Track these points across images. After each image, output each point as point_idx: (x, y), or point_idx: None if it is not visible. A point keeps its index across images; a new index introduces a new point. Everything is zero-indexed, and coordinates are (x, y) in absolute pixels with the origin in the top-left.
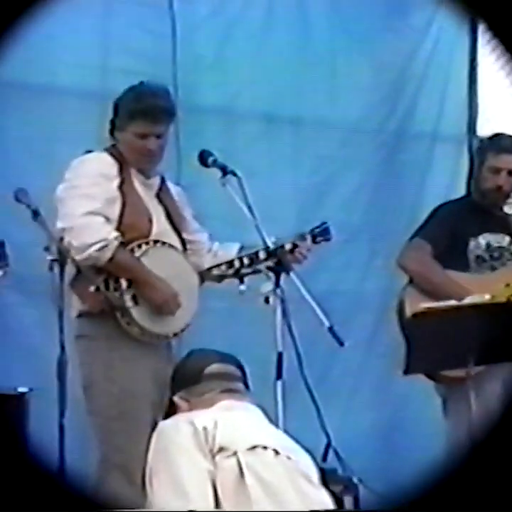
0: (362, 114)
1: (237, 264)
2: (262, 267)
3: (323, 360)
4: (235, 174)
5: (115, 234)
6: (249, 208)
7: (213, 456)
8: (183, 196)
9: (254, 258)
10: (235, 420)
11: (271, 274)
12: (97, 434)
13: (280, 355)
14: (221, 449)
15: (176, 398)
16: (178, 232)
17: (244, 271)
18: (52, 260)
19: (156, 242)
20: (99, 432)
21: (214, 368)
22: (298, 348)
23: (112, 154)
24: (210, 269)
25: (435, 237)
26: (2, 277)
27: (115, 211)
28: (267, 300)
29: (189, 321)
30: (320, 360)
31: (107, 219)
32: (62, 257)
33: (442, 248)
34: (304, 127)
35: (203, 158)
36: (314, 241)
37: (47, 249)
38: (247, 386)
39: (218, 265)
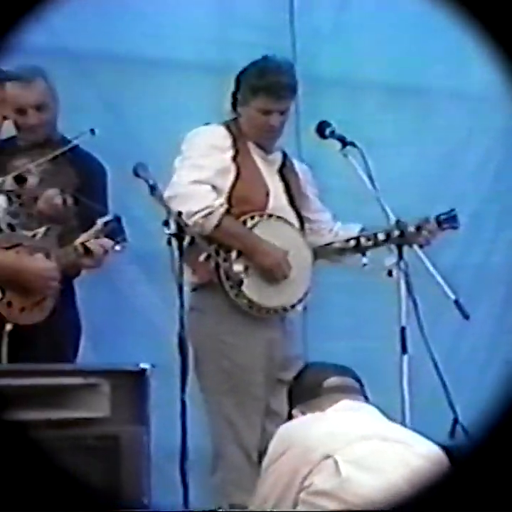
0: (488, 82)
1: (352, 242)
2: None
3: (452, 335)
4: (354, 145)
5: (220, 201)
6: (371, 179)
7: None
8: (307, 174)
9: (372, 239)
10: (340, 426)
11: (393, 247)
12: (209, 410)
13: (403, 330)
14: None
15: (294, 411)
16: (296, 210)
17: (365, 244)
18: (171, 235)
19: (270, 215)
20: (210, 406)
21: (333, 381)
22: (421, 321)
23: (228, 127)
24: (325, 246)
25: None
26: (120, 252)
27: (226, 182)
28: (390, 273)
29: (301, 297)
30: (448, 334)
31: (215, 188)
32: (180, 232)
33: None
34: (428, 96)
35: (321, 129)
36: (440, 227)
37: (165, 223)
38: (366, 398)
39: (331, 243)
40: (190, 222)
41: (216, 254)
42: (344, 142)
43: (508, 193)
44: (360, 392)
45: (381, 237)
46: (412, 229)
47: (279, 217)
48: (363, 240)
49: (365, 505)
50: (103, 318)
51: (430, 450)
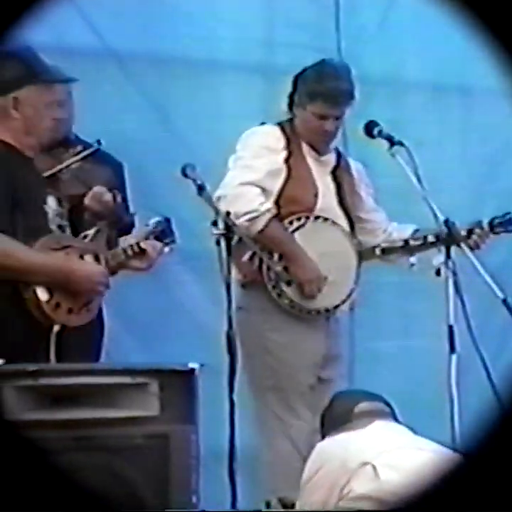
0: None
1: (400, 244)
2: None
3: (500, 334)
4: (402, 144)
5: (268, 206)
6: (419, 178)
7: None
8: (362, 173)
9: (421, 241)
10: (375, 439)
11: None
12: (257, 405)
13: (451, 328)
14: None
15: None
16: (346, 211)
17: (412, 243)
18: (219, 235)
19: (317, 217)
20: (258, 402)
21: (363, 406)
22: (469, 320)
23: (282, 128)
24: (372, 248)
25: None
26: (169, 254)
27: (276, 184)
28: (438, 272)
29: (343, 298)
30: (497, 333)
31: (264, 190)
32: (228, 232)
33: None
34: (474, 95)
35: (369, 128)
36: (493, 231)
37: (213, 224)
38: (397, 421)
39: (379, 245)
40: (237, 223)
41: (260, 254)
42: (392, 141)
43: None
44: (390, 415)
45: (431, 239)
46: (463, 232)
47: (325, 218)
48: (411, 242)
49: (401, 503)
50: (152, 317)
51: (458, 459)
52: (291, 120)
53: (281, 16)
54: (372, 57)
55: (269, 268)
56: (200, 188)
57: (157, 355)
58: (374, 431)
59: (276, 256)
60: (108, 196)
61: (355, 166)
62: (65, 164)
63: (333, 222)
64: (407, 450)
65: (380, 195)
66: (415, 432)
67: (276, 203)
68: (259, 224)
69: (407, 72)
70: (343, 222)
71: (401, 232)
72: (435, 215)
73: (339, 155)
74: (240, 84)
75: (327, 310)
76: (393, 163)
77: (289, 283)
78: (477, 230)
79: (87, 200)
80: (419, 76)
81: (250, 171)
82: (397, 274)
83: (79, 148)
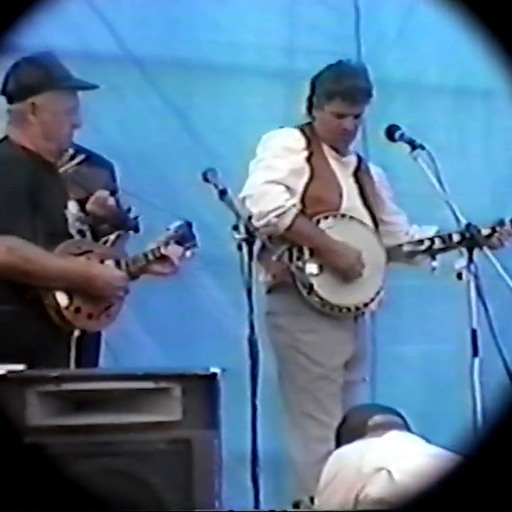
0: None
1: (427, 243)
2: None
3: None
4: (423, 148)
5: (293, 201)
6: (440, 182)
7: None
8: (382, 177)
9: (446, 240)
10: (390, 446)
11: (463, 249)
12: (290, 406)
13: (474, 332)
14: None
15: None
16: (370, 211)
17: (435, 247)
18: (241, 239)
19: (343, 215)
20: (291, 404)
21: (377, 418)
22: (492, 324)
23: (302, 130)
24: (397, 246)
25: None
26: (191, 258)
27: (300, 183)
28: (459, 276)
29: (372, 296)
30: None
31: (288, 188)
32: (250, 236)
33: None
34: (496, 99)
35: (390, 132)
36: None
37: (235, 228)
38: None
39: (408, 243)
40: (263, 221)
41: (289, 253)
42: (413, 145)
43: None
44: (404, 427)
45: (456, 238)
46: (486, 231)
47: (352, 217)
48: (437, 242)
49: (416, 507)
50: (174, 322)
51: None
52: (310, 124)
53: (302, 22)
54: (393, 62)
55: (298, 269)
56: (222, 193)
57: (179, 359)
58: (389, 439)
59: (306, 252)
60: (111, 200)
61: (375, 170)
62: (63, 169)
63: (360, 221)
64: (422, 456)
65: (400, 199)
66: (429, 441)
67: (302, 203)
68: (287, 220)
69: (427, 77)
70: (369, 222)
71: (423, 233)
72: (457, 219)
73: (359, 158)
74: (261, 89)
75: (357, 308)
76: (414, 167)
77: (311, 287)
78: (499, 229)
79: (89, 205)
80: (440, 80)
81: (273, 170)
82: (419, 278)
83: (71, 151)
